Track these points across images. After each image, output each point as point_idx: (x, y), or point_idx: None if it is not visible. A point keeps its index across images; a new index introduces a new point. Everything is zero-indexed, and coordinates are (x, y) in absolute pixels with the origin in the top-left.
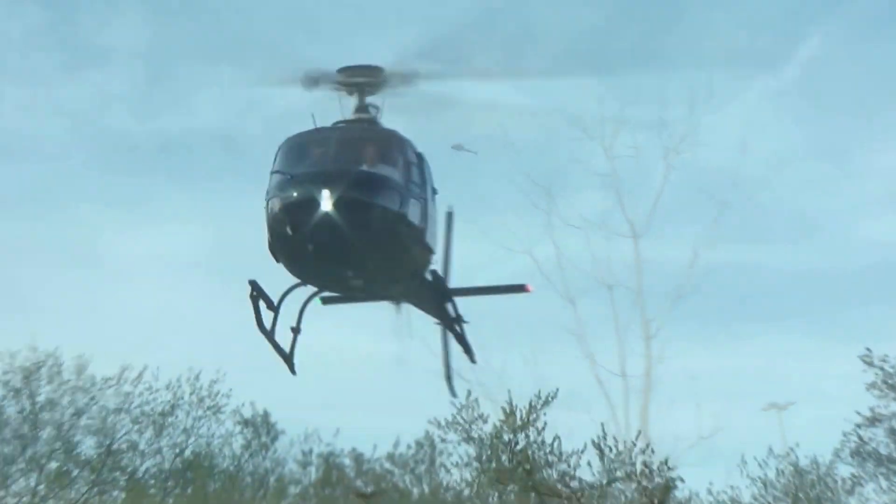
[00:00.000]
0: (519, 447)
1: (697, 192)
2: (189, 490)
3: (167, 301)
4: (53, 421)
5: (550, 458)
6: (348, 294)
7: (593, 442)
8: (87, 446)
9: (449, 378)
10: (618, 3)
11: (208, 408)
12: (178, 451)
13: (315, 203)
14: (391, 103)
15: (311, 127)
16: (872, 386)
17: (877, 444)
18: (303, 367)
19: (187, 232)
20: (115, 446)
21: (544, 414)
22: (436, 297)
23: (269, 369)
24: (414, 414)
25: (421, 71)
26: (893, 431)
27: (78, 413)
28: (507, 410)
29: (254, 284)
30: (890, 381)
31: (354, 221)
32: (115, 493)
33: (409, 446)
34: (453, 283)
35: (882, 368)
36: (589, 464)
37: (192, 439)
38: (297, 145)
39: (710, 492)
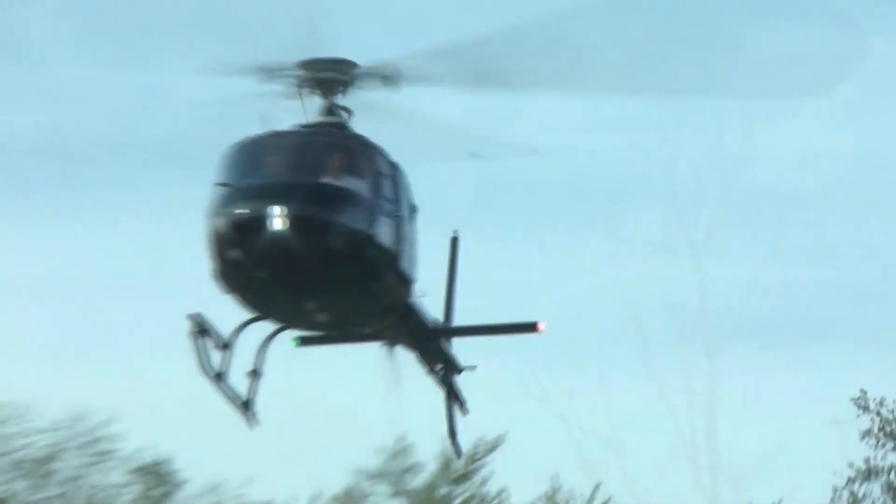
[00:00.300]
0: (457, 502)
1: (756, 211)
2: None
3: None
4: None
5: None
6: (317, 331)
7: (546, 495)
8: None
9: (453, 433)
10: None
11: (96, 453)
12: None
13: (265, 221)
14: (370, 106)
15: (263, 131)
16: (868, 434)
17: (872, 501)
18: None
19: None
20: None
21: (488, 461)
22: (414, 338)
23: (169, 409)
24: (338, 461)
25: (410, 72)
26: (892, 487)
27: None
28: (445, 458)
29: (197, 318)
30: (888, 429)
31: (312, 243)
32: None
33: (333, 499)
34: (459, 319)
35: (878, 413)
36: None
37: (77, 490)
38: (246, 152)
39: None
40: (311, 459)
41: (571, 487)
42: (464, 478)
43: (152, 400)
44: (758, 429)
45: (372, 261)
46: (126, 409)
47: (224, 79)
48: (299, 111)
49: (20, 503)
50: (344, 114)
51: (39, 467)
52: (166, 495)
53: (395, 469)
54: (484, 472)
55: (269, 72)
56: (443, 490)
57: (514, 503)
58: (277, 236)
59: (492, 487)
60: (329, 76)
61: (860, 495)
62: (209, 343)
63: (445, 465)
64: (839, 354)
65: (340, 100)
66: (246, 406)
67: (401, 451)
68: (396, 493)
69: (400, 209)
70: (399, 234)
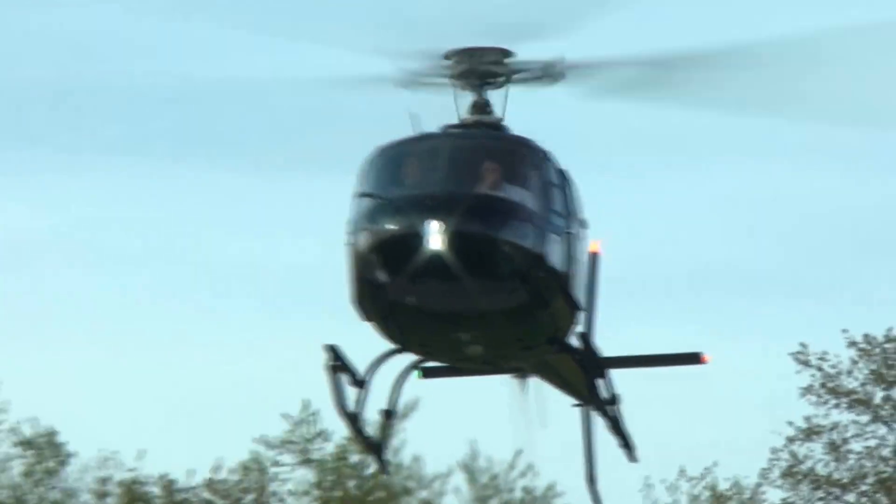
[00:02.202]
0: (369, 471)
1: None
2: None
3: None
4: None
5: (409, 483)
6: (467, 365)
7: (462, 464)
8: None
9: (592, 480)
10: None
11: None
12: None
13: (420, 238)
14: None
15: (412, 133)
16: (808, 391)
17: (814, 462)
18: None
19: None
20: None
21: (401, 429)
22: (583, 370)
23: (56, 378)
24: (240, 433)
25: (578, 65)
26: (834, 446)
27: None
28: (307, 415)
29: (333, 350)
30: (830, 385)
31: (474, 263)
32: None
33: (232, 471)
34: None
35: (820, 369)
36: (457, 490)
37: None
38: (395, 159)
39: None
40: (212, 430)
41: (489, 454)
42: (340, 419)
43: (38, 372)
44: (686, 389)
45: (540, 285)
46: (9, 380)
47: (369, 65)
48: (448, 107)
49: None
50: (498, 111)
51: None
52: (56, 468)
53: (301, 437)
54: (395, 441)
55: (417, 62)
56: (353, 458)
57: (430, 471)
58: (434, 256)
59: (405, 455)
60: (479, 68)
61: (801, 455)
62: (345, 378)
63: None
64: (778, 309)
65: (493, 95)
66: (378, 450)
67: (308, 418)
68: (303, 463)
69: (570, 224)
70: (570, 253)
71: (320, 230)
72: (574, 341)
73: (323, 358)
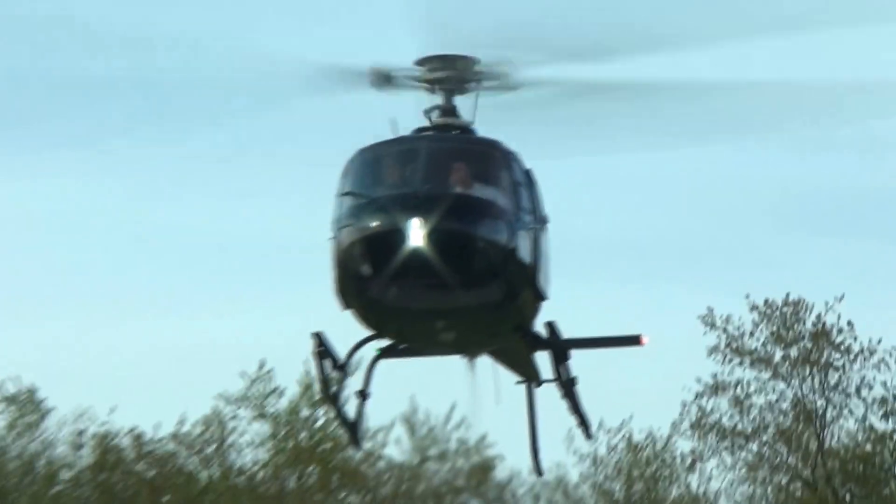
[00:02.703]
0: (318, 424)
1: None
2: None
3: None
4: None
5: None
6: (439, 351)
7: (403, 417)
8: None
9: (536, 451)
10: None
11: None
12: None
13: (402, 235)
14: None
15: (391, 135)
16: (715, 350)
17: (720, 415)
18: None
19: None
20: None
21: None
22: (551, 356)
23: (35, 337)
24: (202, 390)
25: (536, 69)
26: (740, 402)
27: None
28: (305, 383)
29: (318, 337)
30: (735, 345)
31: (453, 259)
32: None
33: (195, 425)
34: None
35: (725, 330)
36: (398, 441)
37: None
38: (375, 159)
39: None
40: (176, 387)
41: (428, 408)
42: (323, 401)
43: (19, 335)
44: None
45: (512, 278)
46: None
47: (342, 77)
48: (419, 110)
49: None
50: (464, 115)
51: None
52: (35, 422)
53: (257, 394)
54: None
55: (388, 70)
56: (304, 413)
57: (372, 425)
58: (415, 252)
59: (349, 409)
60: (449, 74)
61: (708, 409)
62: (328, 363)
63: (306, 389)
64: (688, 276)
65: (459, 99)
66: (353, 428)
67: (263, 376)
68: (259, 417)
69: (536, 220)
70: (536, 247)
71: (291, 213)
72: (538, 329)
73: (310, 344)
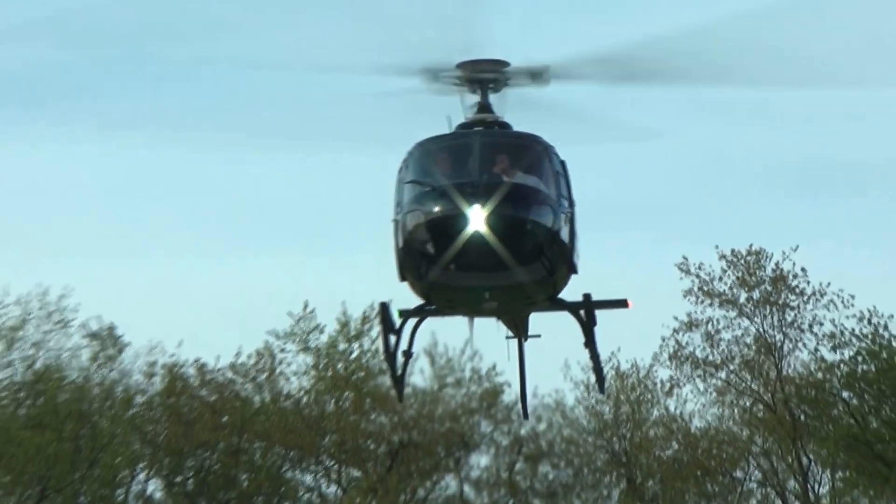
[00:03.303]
0: (353, 356)
1: None
2: (40, 400)
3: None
4: None
5: (384, 365)
6: (479, 317)
7: (425, 350)
8: None
9: (524, 397)
10: None
11: (57, 322)
12: (28, 363)
13: (464, 219)
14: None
15: (446, 131)
16: (689, 293)
17: (693, 348)
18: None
19: None
20: None
21: (377, 320)
22: (585, 321)
23: (114, 285)
24: (255, 327)
25: (559, 70)
26: (710, 336)
27: None
28: (342, 321)
29: (384, 305)
30: (706, 288)
31: (508, 240)
32: None
33: (249, 356)
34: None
35: (698, 276)
36: (421, 371)
37: (42, 352)
38: (435, 151)
39: (535, 394)
40: (234, 324)
41: (446, 342)
42: (357, 337)
43: (101, 280)
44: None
45: (554, 256)
46: (80, 287)
47: (392, 77)
48: (457, 107)
49: None
50: (496, 111)
51: (10, 334)
52: (114, 355)
53: (302, 330)
54: (373, 333)
55: (433, 71)
56: (341, 346)
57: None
58: (475, 234)
59: (379, 343)
60: (485, 75)
61: (683, 343)
62: (390, 327)
63: (343, 326)
64: (665, 230)
65: (494, 97)
66: (400, 382)
67: (307, 315)
68: (303, 350)
69: (571, 206)
70: (571, 229)
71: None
72: (570, 298)
73: (378, 311)
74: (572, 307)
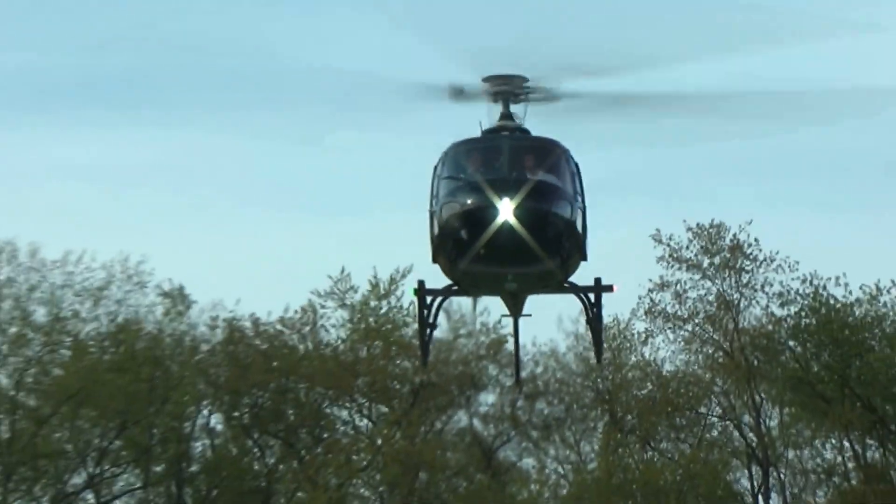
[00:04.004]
0: (383, 311)
1: None
2: (121, 348)
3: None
4: (12, 294)
5: (407, 319)
6: (497, 296)
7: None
8: (40, 314)
9: (518, 368)
10: None
11: (136, 283)
12: (112, 318)
13: (495, 210)
14: (533, 111)
15: (478, 133)
16: (661, 259)
17: (665, 305)
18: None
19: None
20: (61, 314)
21: (402, 282)
22: (593, 302)
23: (183, 252)
24: (300, 288)
25: (570, 83)
26: (679, 295)
27: (32, 288)
28: (373, 281)
29: (421, 283)
30: (675, 255)
31: (532, 229)
32: (63, 351)
33: (296, 311)
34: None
35: (669, 245)
36: (439, 324)
37: (123, 308)
38: (469, 151)
39: (533, 342)
40: (283, 284)
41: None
42: (385, 296)
43: (173, 245)
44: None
45: (570, 243)
46: (154, 254)
47: (429, 88)
48: (484, 115)
49: (83, 320)
50: (517, 119)
51: (97, 293)
52: (183, 311)
53: (339, 290)
54: (398, 293)
55: (462, 86)
56: (372, 303)
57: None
58: (505, 223)
59: (405, 301)
60: (506, 88)
61: (657, 300)
62: (424, 303)
63: (374, 287)
64: (643, 206)
65: (514, 107)
66: (426, 350)
67: (343, 277)
68: (340, 307)
69: (584, 201)
70: (584, 222)
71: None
72: (578, 282)
73: (414, 287)
74: (581, 290)
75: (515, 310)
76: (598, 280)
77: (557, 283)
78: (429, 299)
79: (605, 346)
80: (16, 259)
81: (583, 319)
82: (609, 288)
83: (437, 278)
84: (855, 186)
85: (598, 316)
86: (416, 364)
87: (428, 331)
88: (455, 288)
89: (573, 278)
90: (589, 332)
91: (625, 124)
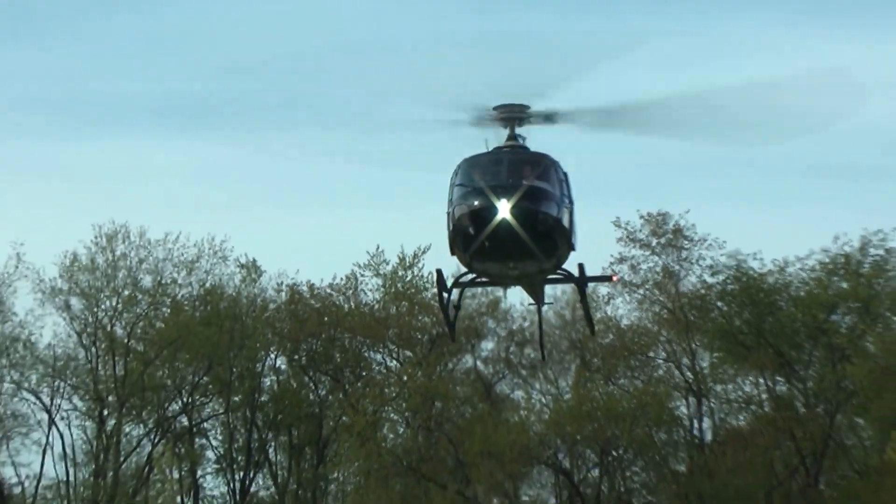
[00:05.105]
0: (408, 279)
1: None
2: (208, 307)
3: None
4: (126, 266)
5: (426, 285)
6: (506, 283)
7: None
8: (146, 281)
9: (542, 347)
10: None
11: (220, 257)
12: (201, 283)
13: (496, 210)
14: (535, 133)
15: (484, 150)
16: (620, 239)
17: (623, 274)
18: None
19: None
20: (163, 281)
21: (423, 257)
22: (579, 283)
23: (256, 233)
24: (344, 260)
25: (563, 111)
26: (633, 267)
27: (140, 261)
28: (401, 256)
29: (439, 271)
30: (631, 237)
31: (526, 225)
32: (164, 309)
33: (342, 279)
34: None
35: (626, 228)
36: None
37: (209, 276)
38: (477, 164)
39: (521, 302)
40: (331, 258)
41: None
42: (410, 267)
43: (248, 227)
44: None
45: (558, 236)
46: (235, 233)
47: (445, 115)
48: (492, 136)
49: (179, 285)
50: (521, 139)
51: (190, 265)
52: (255, 278)
53: (374, 262)
54: (420, 265)
55: (475, 111)
56: (400, 273)
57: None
58: (504, 220)
59: (425, 271)
60: (511, 115)
61: (617, 271)
62: (443, 287)
63: (401, 260)
64: (607, 202)
65: (519, 129)
66: (452, 327)
67: (378, 253)
68: (376, 276)
69: (571, 203)
70: (571, 219)
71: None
72: (575, 269)
73: (435, 276)
74: (571, 276)
75: (537, 298)
76: (581, 266)
77: (551, 269)
78: (449, 284)
79: (577, 306)
80: (128, 239)
81: (560, 287)
82: (609, 278)
83: (453, 265)
84: (772, 184)
85: (584, 296)
86: (433, 320)
87: (453, 313)
88: (472, 277)
89: (566, 265)
90: (580, 306)
91: (603, 139)
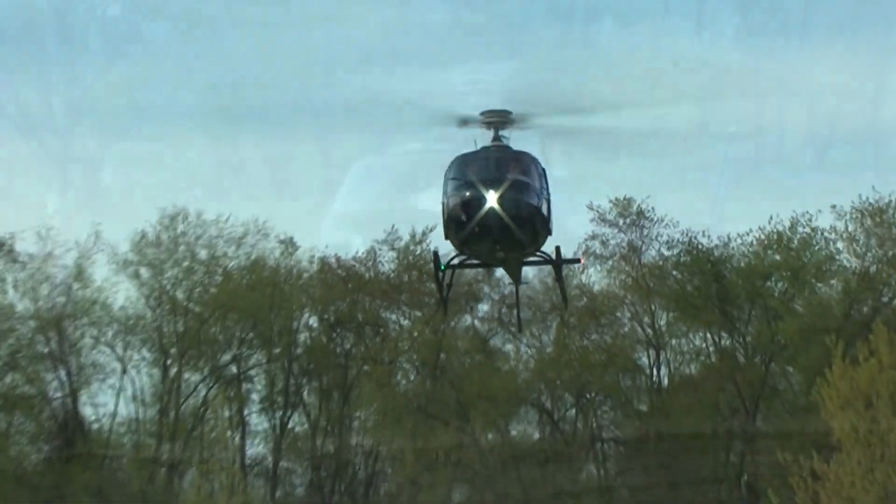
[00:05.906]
0: (417, 253)
1: None
2: (253, 276)
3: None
4: (185, 242)
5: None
6: (493, 264)
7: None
8: (202, 254)
9: (519, 320)
10: None
11: (263, 234)
12: (248, 256)
13: (484, 200)
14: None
15: (473, 148)
16: (593, 220)
17: (595, 249)
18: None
19: None
20: (216, 254)
21: (430, 234)
22: (555, 263)
23: (292, 217)
24: (366, 237)
25: (541, 115)
26: (603, 242)
27: (197, 238)
28: (412, 234)
29: (435, 252)
30: (601, 217)
31: (510, 212)
32: (217, 277)
33: (363, 252)
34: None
35: (597, 210)
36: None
37: (254, 251)
38: (468, 160)
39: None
40: (354, 235)
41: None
42: (419, 243)
43: (285, 210)
44: None
45: (537, 223)
46: (272, 216)
47: (440, 119)
48: (481, 137)
49: (229, 258)
50: (505, 139)
51: (237, 241)
52: (291, 252)
53: (390, 239)
54: (427, 241)
55: (466, 116)
56: (411, 248)
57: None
58: (491, 209)
59: (431, 247)
60: (497, 120)
61: (590, 246)
62: (438, 266)
63: (413, 237)
64: (578, 185)
65: (503, 131)
66: (445, 303)
67: (393, 231)
68: (391, 250)
69: (549, 194)
70: (549, 208)
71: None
72: (552, 253)
73: (432, 257)
74: (548, 259)
75: (516, 279)
76: (557, 248)
77: (532, 252)
78: (443, 264)
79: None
80: (187, 220)
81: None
82: (577, 260)
83: (446, 247)
84: (721, 174)
85: (560, 275)
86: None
87: (446, 290)
88: (463, 259)
89: (544, 249)
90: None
91: (575, 142)
